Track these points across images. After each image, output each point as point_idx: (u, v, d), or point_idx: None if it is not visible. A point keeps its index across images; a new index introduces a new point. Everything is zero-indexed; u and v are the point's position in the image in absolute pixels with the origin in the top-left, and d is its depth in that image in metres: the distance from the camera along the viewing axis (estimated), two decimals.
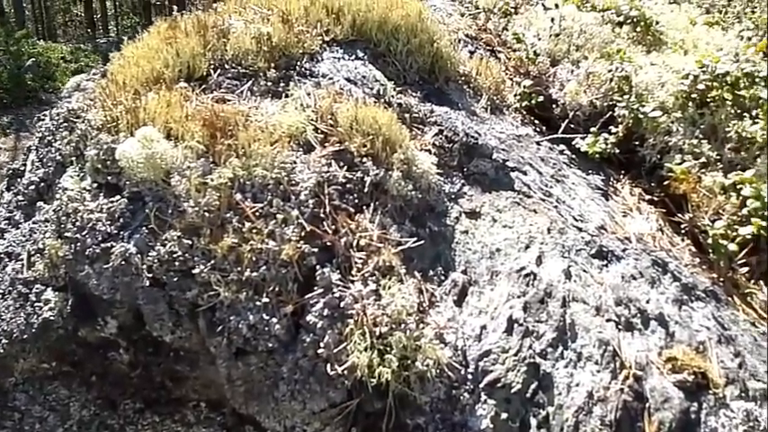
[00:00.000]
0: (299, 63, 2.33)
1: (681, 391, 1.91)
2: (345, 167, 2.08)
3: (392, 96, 2.38)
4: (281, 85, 2.26)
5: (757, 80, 2.68)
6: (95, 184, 1.94)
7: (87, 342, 1.88)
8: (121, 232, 1.85)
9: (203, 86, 2.20)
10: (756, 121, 2.59)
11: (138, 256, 1.79)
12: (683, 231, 2.47)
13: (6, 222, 2.22)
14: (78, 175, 1.99)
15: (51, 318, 1.88)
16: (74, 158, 2.04)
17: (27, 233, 2.08)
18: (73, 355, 1.91)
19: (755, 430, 1.86)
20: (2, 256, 2.10)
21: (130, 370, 1.87)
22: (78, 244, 1.83)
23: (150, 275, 1.77)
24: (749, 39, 3.17)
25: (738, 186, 2.45)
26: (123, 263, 1.79)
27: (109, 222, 1.86)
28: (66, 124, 2.15)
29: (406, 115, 2.37)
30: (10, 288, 2.00)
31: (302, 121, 2.09)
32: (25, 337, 1.91)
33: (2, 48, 14.92)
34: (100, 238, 1.83)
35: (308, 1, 2.53)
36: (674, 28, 3.17)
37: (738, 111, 2.65)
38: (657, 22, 3.15)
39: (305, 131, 2.08)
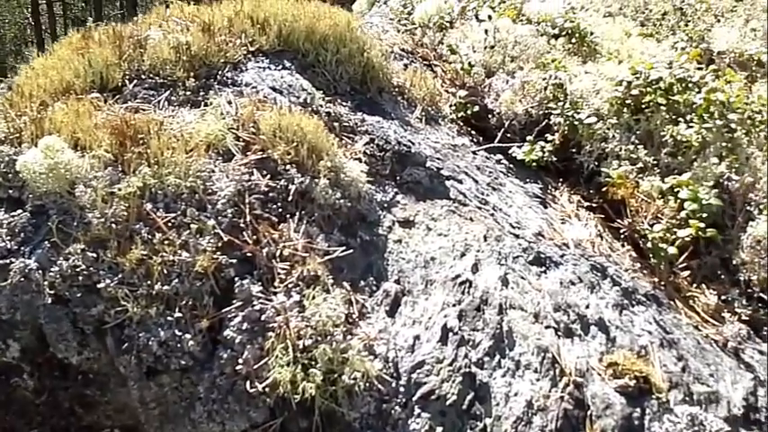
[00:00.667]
0: (220, 72, 2.24)
1: (623, 396, 1.83)
2: (268, 176, 1.98)
3: (320, 105, 2.30)
4: (201, 94, 2.17)
5: (690, 85, 2.68)
6: None
7: None
8: (22, 248, 1.71)
9: (117, 97, 2.09)
10: (691, 125, 2.58)
11: (40, 272, 1.65)
12: (622, 236, 2.43)
13: None
14: None
15: None
16: None
17: None
18: None
19: None
20: None
21: (36, 397, 1.71)
22: None
23: (52, 292, 1.63)
24: (683, 49, 3.20)
25: (676, 190, 2.42)
26: (23, 280, 1.65)
27: (9, 238, 1.72)
28: None
29: (336, 124, 2.29)
30: None
31: (221, 128, 1.99)
32: None
33: None
34: None
35: (231, 12, 2.46)
36: (610, 39, 3.19)
37: (673, 116, 2.64)
38: (592, 33, 3.16)
39: (224, 139, 1.98)
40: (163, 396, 1.65)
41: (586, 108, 2.65)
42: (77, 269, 1.63)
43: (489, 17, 2.95)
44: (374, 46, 2.62)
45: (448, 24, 3.24)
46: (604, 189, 2.53)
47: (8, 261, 1.68)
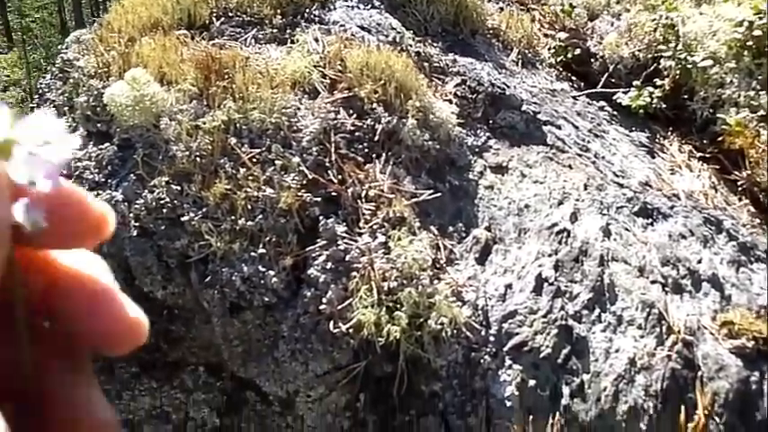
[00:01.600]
0: (307, 10, 2.17)
1: (739, 358, 1.65)
2: (354, 115, 1.89)
3: (410, 45, 2.19)
4: (288, 32, 2.10)
5: None
6: (86, 133, 1.80)
7: None
8: (109, 180, 1.70)
9: (204, 34, 2.05)
10: None
11: (126, 204, 1.64)
12: (739, 189, 2.20)
13: None
14: (69, 126, 1.85)
15: None
16: (66, 108, 1.91)
17: None
18: None
19: None
20: None
21: None
22: None
23: (138, 224, 1.62)
24: None
25: None
26: None
27: (97, 170, 1.72)
28: (60, 75, 2.03)
29: (425, 64, 2.17)
30: None
31: (307, 65, 1.92)
32: None
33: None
34: (87, 187, 1.69)
35: None
36: None
37: None
38: None
39: (310, 76, 1.90)
40: (246, 333, 1.61)
41: (701, 51, 2.41)
42: (162, 202, 1.61)
43: None
44: None
45: None
46: (720, 139, 2.30)
47: (96, 193, 1.67)
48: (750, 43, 2.42)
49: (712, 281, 1.84)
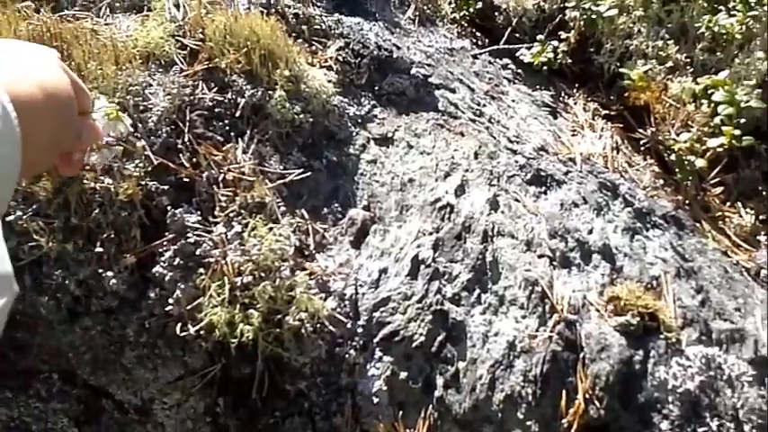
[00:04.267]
0: None
1: (623, 336, 1.56)
2: (215, 89, 1.72)
3: (286, 6, 2.00)
4: None
5: None
6: None
7: None
8: None
9: (53, 5, 1.85)
10: (733, 13, 2.17)
11: None
12: (644, 149, 2.09)
13: None
14: None
15: None
16: None
17: None
18: None
19: (718, 380, 1.51)
20: None
21: None
22: None
23: None
24: None
25: (710, 92, 2.05)
26: None
27: None
28: None
29: (304, 27, 2.00)
30: None
31: (162, 36, 1.74)
32: None
33: None
34: None
35: None
36: None
37: (712, 4, 2.23)
38: None
39: (165, 48, 1.72)
40: (90, 339, 1.48)
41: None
42: None
43: None
44: None
45: None
46: (626, 94, 2.17)
47: None
48: None
49: (603, 252, 1.73)
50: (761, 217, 1.92)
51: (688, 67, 2.17)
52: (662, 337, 1.56)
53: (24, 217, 1.45)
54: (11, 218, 1.44)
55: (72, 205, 1.46)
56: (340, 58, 1.96)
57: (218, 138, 1.66)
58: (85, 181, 1.49)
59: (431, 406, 1.47)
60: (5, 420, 1.63)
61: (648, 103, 2.11)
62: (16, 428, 1.64)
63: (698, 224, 1.91)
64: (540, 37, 2.28)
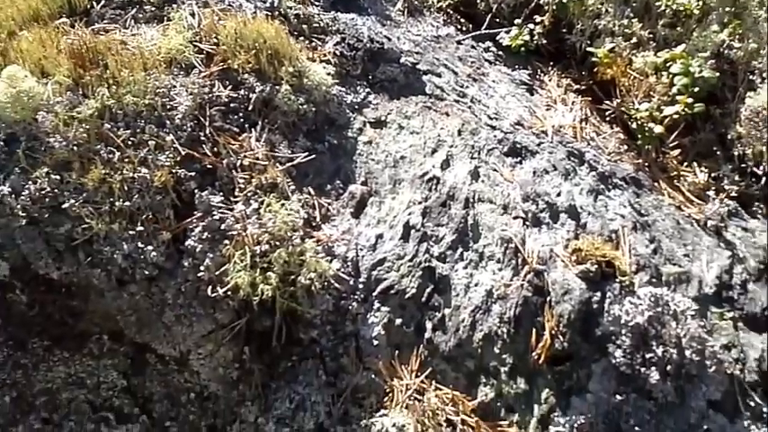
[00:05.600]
0: None
1: (583, 281, 1.84)
2: (230, 86, 2.01)
3: (289, 8, 2.27)
4: (166, 9, 2.18)
5: None
6: None
7: None
8: None
9: (86, 20, 2.14)
10: None
11: (13, 196, 1.77)
12: (609, 118, 2.34)
13: None
14: None
15: None
16: None
17: None
18: None
19: (664, 315, 1.78)
20: None
21: (29, 309, 1.88)
22: None
23: (25, 214, 1.75)
24: None
25: (669, 64, 2.29)
26: (0, 205, 1.78)
27: None
28: None
29: (305, 26, 2.27)
30: None
31: (182, 42, 2.02)
32: None
33: None
34: None
35: None
36: None
37: None
38: None
39: (184, 53, 2.00)
40: (135, 303, 1.78)
41: None
42: (44, 192, 1.75)
43: None
44: None
45: None
46: (595, 70, 2.42)
47: None
48: None
49: (569, 211, 2.00)
50: (713, 174, 2.17)
51: (651, 43, 2.41)
52: (617, 281, 1.84)
53: (76, 204, 1.75)
54: (66, 205, 1.75)
55: (116, 192, 1.76)
56: (337, 52, 2.23)
57: (235, 129, 1.95)
58: (125, 171, 1.78)
59: (422, 345, 1.77)
60: (64, 377, 1.95)
61: (615, 77, 2.36)
62: (73, 383, 1.96)
63: (656, 184, 2.16)
64: (517, 21, 2.53)
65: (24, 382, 1.97)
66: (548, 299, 1.82)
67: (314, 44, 2.25)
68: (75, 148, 1.79)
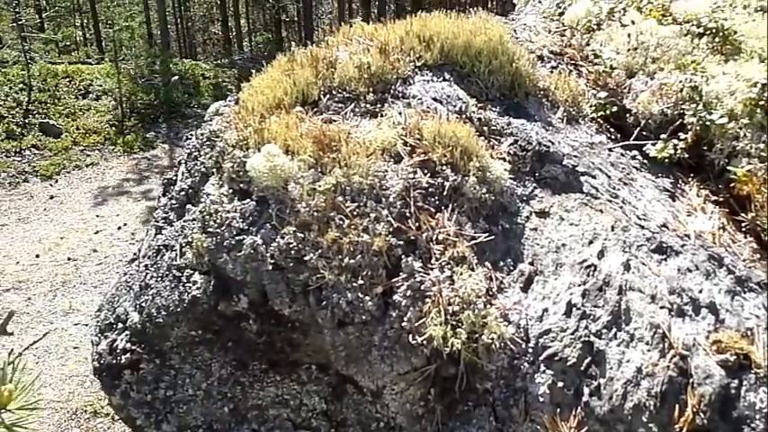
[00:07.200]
0: (393, 87, 2.76)
1: (723, 369, 2.15)
2: (429, 174, 2.48)
3: (473, 112, 2.75)
4: (378, 106, 2.69)
5: None
6: (231, 190, 2.45)
7: (225, 315, 2.38)
8: (251, 228, 2.34)
9: (315, 110, 2.68)
10: None
11: (263, 246, 2.27)
12: (744, 229, 2.66)
13: (163, 221, 2.80)
14: (218, 183, 2.51)
15: (198, 295, 2.40)
16: (214, 170, 2.57)
17: (179, 229, 2.64)
18: (214, 325, 2.43)
19: None
20: (160, 247, 2.67)
21: (257, 338, 2.36)
22: (218, 237, 2.35)
23: (272, 261, 2.25)
24: None
25: None
26: (252, 252, 2.28)
27: (241, 220, 2.36)
28: (208, 143, 2.70)
29: (485, 128, 2.73)
30: (167, 272, 2.55)
31: (393, 136, 2.51)
32: (178, 310, 2.45)
33: (151, 67, 16.58)
34: (234, 233, 2.34)
35: (403, 32, 2.95)
36: (755, 37, 3.31)
37: None
38: (735, 32, 3.30)
39: (395, 145, 2.49)
40: (348, 342, 2.22)
41: (720, 108, 2.87)
42: (290, 245, 2.24)
43: (632, 21, 3.20)
44: (522, 56, 3.01)
45: (595, 26, 3.52)
46: (732, 185, 2.76)
47: (242, 237, 2.32)
48: (762, 102, 2.87)
49: (710, 307, 2.33)
50: None
51: None
52: (752, 372, 2.14)
53: (314, 257, 2.22)
54: (306, 258, 2.23)
55: (344, 251, 2.23)
56: (511, 151, 2.68)
57: (432, 209, 2.41)
58: (351, 236, 2.25)
59: (579, 407, 2.12)
60: (273, 396, 2.40)
61: (750, 194, 2.69)
62: (279, 402, 2.41)
63: None
64: (663, 136, 2.92)
65: (240, 397, 2.43)
66: (690, 380, 2.14)
67: (492, 143, 2.71)
68: (315, 213, 2.28)
